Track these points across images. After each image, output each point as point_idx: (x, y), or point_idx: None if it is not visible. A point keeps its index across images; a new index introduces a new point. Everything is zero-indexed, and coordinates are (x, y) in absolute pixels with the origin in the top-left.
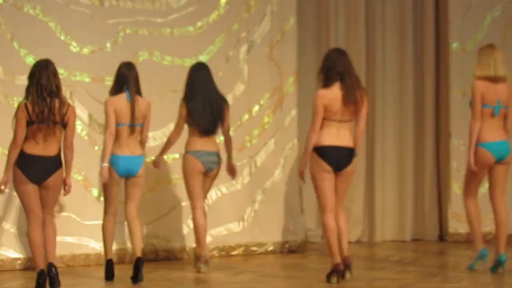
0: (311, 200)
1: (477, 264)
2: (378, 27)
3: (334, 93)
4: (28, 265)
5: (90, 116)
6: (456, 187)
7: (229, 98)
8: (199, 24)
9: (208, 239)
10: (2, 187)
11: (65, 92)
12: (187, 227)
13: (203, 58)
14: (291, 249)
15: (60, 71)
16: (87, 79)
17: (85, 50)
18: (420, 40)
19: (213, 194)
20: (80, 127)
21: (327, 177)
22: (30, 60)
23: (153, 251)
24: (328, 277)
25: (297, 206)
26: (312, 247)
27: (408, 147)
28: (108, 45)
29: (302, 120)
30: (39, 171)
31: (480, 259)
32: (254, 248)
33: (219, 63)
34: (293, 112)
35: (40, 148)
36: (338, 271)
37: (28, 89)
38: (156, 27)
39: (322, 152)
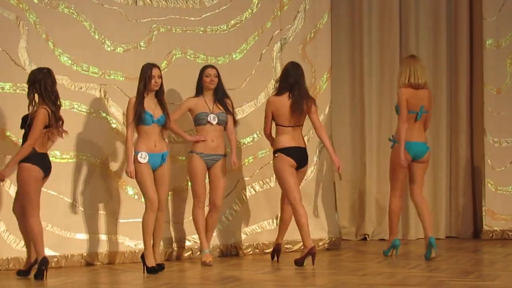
0: (345, 198)
1: (390, 251)
2: (411, 24)
3: (282, 102)
4: (63, 263)
5: (124, 114)
6: (491, 185)
7: (262, 96)
8: (232, 22)
9: (243, 236)
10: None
11: (99, 91)
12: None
13: (236, 56)
14: (326, 246)
15: (94, 70)
16: (121, 78)
17: (119, 49)
18: (454, 37)
19: (247, 192)
20: (114, 125)
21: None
22: (65, 60)
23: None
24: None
25: (331, 204)
26: (346, 244)
27: (442, 144)
28: (142, 43)
29: (335, 118)
30: (49, 168)
31: (392, 248)
32: (288, 246)
33: (252, 61)
34: (327, 110)
35: (47, 148)
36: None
37: (34, 95)
38: (190, 26)
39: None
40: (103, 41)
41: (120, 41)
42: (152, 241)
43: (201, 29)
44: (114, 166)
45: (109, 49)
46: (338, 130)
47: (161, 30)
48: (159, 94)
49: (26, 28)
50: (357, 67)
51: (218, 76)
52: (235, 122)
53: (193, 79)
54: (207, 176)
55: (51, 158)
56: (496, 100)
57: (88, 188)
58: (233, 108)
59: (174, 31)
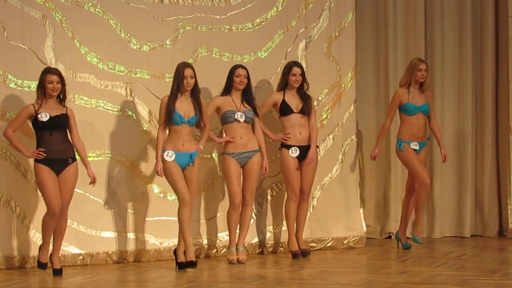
0: (370, 197)
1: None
2: (437, 22)
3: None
4: (88, 261)
5: (150, 112)
6: None
7: None
8: (258, 20)
9: (268, 235)
10: None
11: (125, 89)
12: None
13: (261, 54)
14: (351, 245)
15: (120, 68)
16: (147, 76)
17: (145, 47)
18: (480, 35)
19: (272, 191)
20: (140, 123)
21: None
22: (91, 58)
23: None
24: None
25: (356, 202)
26: (372, 243)
27: (468, 142)
28: (168, 42)
29: (360, 116)
30: None
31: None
32: (312, 244)
33: (277, 60)
34: (351, 108)
35: None
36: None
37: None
38: (215, 24)
39: None
40: (129, 39)
41: (146, 40)
42: (190, 237)
43: (227, 27)
44: (140, 164)
45: (135, 47)
46: (363, 128)
47: (186, 28)
48: (195, 94)
49: (52, 26)
50: (382, 65)
51: (248, 77)
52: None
53: (219, 77)
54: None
55: (77, 157)
56: None
57: (114, 186)
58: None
59: (199, 29)
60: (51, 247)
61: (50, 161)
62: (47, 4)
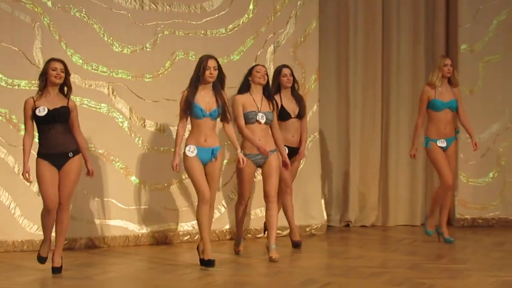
0: (331, 188)
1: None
2: (393, 30)
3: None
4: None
5: (130, 110)
6: (463, 177)
7: None
8: (230, 26)
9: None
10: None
11: (108, 88)
12: None
13: (234, 57)
14: (313, 232)
15: (103, 69)
16: (128, 77)
17: (126, 50)
18: (432, 42)
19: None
20: (121, 120)
21: None
22: (76, 59)
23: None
24: None
25: (317, 194)
26: (332, 230)
27: (420, 140)
28: (147, 45)
29: (322, 114)
30: None
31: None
32: (278, 231)
33: (248, 62)
34: (315, 107)
35: None
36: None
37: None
38: (192, 29)
39: None
40: (111, 42)
41: (127, 43)
42: (207, 235)
43: (202, 32)
44: (120, 157)
45: (117, 50)
46: (325, 126)
47: (165, 33)
48: (217, 87)
49: (41, 30)
50: (343, 68)
51: (267, 73)
52: None
53: None
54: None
55: None
56: (469, 100)
57: (96, 177)
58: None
59: (177, 34)
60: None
61: (50, 156)
62: (36, 9)
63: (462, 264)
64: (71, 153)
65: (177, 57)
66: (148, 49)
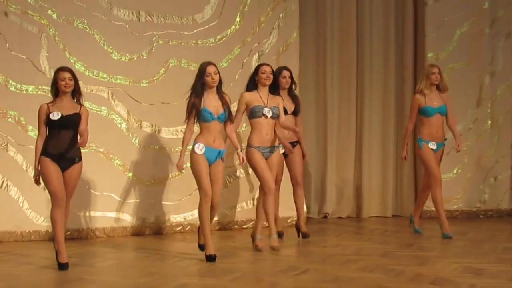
0: (310, 183)
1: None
2: (366, 40)
3: None
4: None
5: (128, 112)
6: None
7: None
8: (219, 36)
9: (225, 214)
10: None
11: (107, 92)
12: None
13: (222, 64)
14: (293, 223)
15: (103, 75)
16: (126, 82)
17: (124, 58)
18: (401, 51)
19: (231, 177)
20: (120, 122)
21: None
22: (79, 66)
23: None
24: None
25: (290, 190)
26: (311, 221)
27: (390, 140)
28: (144, 53)
29: (302, 117)
30: None
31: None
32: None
33: (235, 69)
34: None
35: None
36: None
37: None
38: (184, 39)
39: None
40: (111, 51)
41: (125, 51)
42: (209, 231)
43: (193, 41)
44: (118, 155)
45: (116, 58)
46: (305, 127)
47: (160, 42)
48: (220, 91)
49: (47, 40)
50: (321, 75)
51: (273, 72)
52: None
53: (187, 84)
54: None
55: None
56: None
57: (97, 173)
58: None
59: (171, 43)
60: None
61: (57, 157)
62: (42, 21)
63: (429, 252)
64: (77, 158)
65: (171, 65)
66: (144, 57)
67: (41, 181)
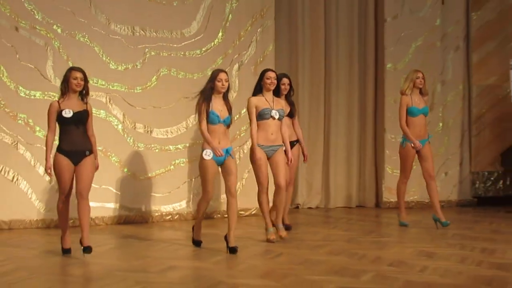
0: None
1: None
2: (333, 52)
3: None
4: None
5: (124, 115)
6: (388, 169)
7: None
8: (204, 48)
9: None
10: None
11: (106, 98)
12: None
13: (207, 73)
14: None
15: (102, 82)
16: (122, 89)
17: (121, 67)
18: (364, 62)
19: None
20: (116, 123)
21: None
22: None
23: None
24: None
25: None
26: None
27: (354, 139)
28: (137, 63)
29: None
30: None
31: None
32: (241, 212)
33: None
34: None
35: None
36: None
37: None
38: (173, 51)
39: None
40: (108, 61)
41: (121, 61)
42: (200, 224)
43: (182, 53)
44: (113, 153)
45: (113, 67)
46: None
47: (152, 54)
48: (226, 96)
49: (52, 51)
50: (293, 82)
51: (277, 78)
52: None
53: (176, 90)
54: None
55: None
56: (394, 107)
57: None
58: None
59: (161, 54)
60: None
61: (70, 153)
62: (48, 35)
63: (388, 237)
64: (88, 151)
65: (162, 73)
66: (138, 67)
67: (53, 173)
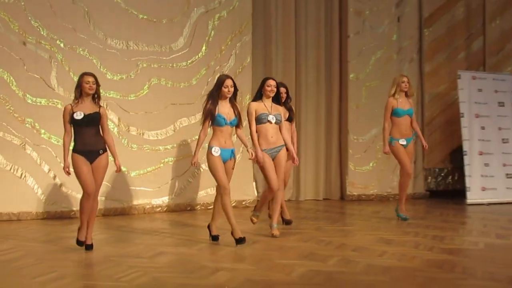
0: (259, 174)
1: None
2: (303, 65)
3: None
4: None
5: (119, 119)
6: (352, 166)
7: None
8: (189, 61)
9: (194, 197)
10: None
11: (103, 104)
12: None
13: (192, 82)
14: (247, 205)
15: (100, 90)
16: (118, 96)
17: (116, 77)
18: (330, 73)
19: (200, 169)
20: (112, 126)
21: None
22: None
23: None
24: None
25: (250, 178)
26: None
27: (322, 140)
28: (131, 74)
29: None
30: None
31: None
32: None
33: (202, 86)
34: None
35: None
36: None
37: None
38: (163, 63)
39: None
40: (105, 72)
41: (117, 72)
42: (233, 219)
43: (170, 65)
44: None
45: (109, 77)
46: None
47: (144, 65)
48: (232, 100)
49: (56, 63)
50: None
51: (277, 86)
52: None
53: (165, 97)
54: None
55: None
56: (356, 112)
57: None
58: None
59: (152, 66)
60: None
61: (84, 152)
62: (52, 49)
63: (351, 226)
64: (101, 150)
65: (152, 82)
66: (132, 77)
67: (72, 172)
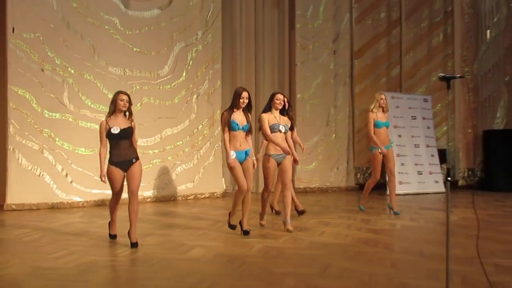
0: (227, 171)
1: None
2: (261, 86)
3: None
4: (85, 204)
5: None
6: (300, 166)
7: (187, 122)
8: (173, 84)
9: (178, 189)
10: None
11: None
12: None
13: (175, 101)
14: (217, 196)
15: (103, 107)
16: None
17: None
18: (282, 91)
19: (179, 168)
20: None
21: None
22: (88, 103)
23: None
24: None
25: (220, 174)
26: (228, 195)
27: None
28: None
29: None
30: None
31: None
32: (199, 196)
33: (183, 104)
34: (218, 128)
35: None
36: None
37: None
38: (152, 85)
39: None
40: (107, 92)
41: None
42: (236, 209)
43: (158, 87)
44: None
45: (110, 97)
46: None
47: (137, 87)
48: (245, 109)
49: (67, 86)
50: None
51: (284, 99)
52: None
53: (154, 114)
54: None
55: (81, 153)
56: (302, 124)
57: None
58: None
59: (144, 88)
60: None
61: (119, 163)
62: (65, 74)
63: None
64: (134, 159)
65: (144, 101)
66: None
67: (106, 180)
